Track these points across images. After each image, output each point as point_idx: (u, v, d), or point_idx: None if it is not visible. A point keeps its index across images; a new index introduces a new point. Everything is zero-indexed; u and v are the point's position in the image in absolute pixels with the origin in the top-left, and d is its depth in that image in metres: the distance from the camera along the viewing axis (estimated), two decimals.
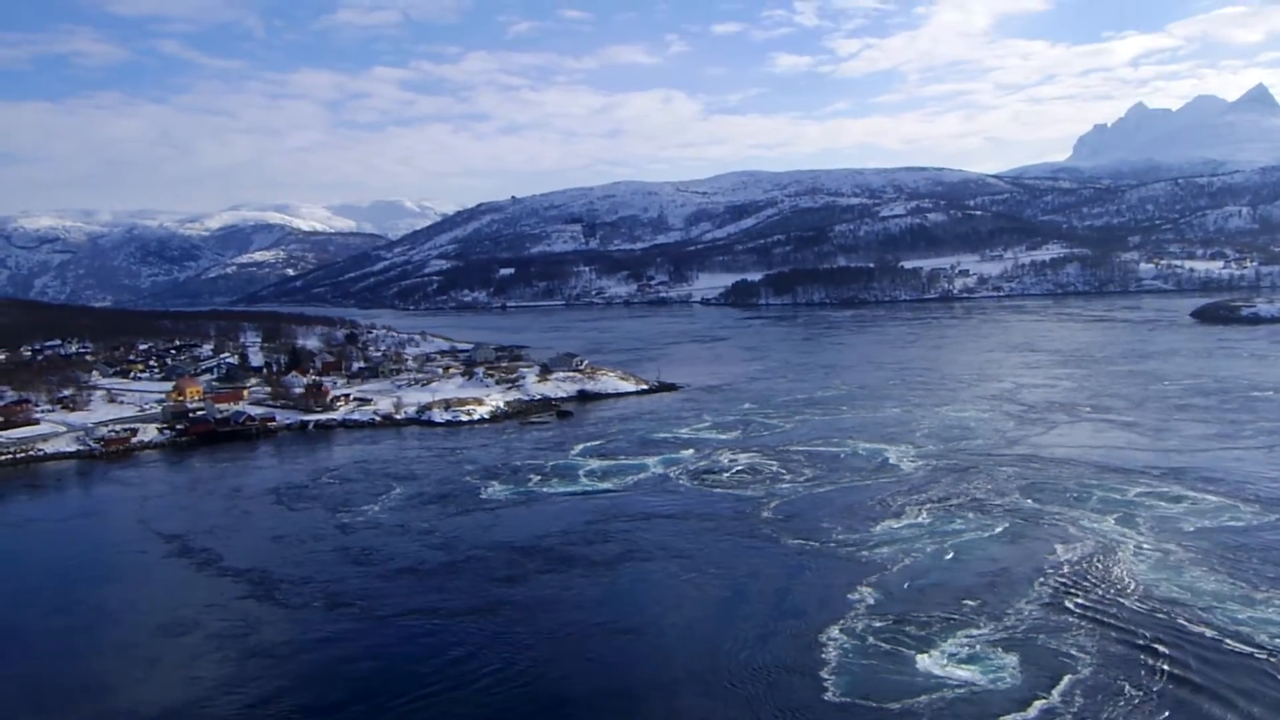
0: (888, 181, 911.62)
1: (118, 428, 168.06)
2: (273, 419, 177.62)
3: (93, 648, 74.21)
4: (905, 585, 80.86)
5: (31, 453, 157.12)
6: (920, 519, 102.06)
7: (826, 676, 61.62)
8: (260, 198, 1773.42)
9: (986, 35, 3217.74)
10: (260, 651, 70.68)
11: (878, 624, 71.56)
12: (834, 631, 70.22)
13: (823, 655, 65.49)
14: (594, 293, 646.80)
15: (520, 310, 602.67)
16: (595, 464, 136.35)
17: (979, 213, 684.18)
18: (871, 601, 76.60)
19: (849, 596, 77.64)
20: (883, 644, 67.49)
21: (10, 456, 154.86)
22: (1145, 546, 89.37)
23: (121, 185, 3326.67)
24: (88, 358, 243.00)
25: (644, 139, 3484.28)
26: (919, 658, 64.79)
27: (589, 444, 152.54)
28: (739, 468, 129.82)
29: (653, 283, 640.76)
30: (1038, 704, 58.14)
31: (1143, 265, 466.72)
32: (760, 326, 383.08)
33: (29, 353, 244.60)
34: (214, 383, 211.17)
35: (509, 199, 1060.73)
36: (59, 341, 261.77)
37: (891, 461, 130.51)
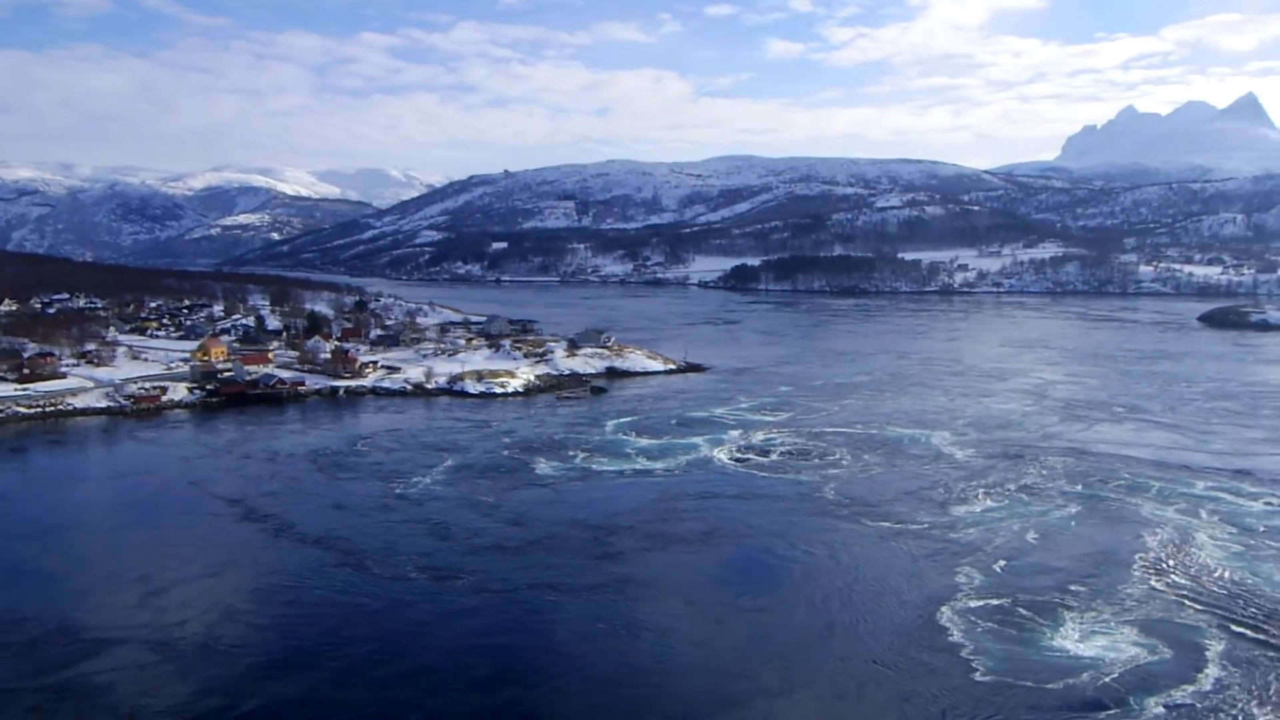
0: (882, 172, 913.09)
1: (147, 385, 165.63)
2: (302, 383, 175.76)
3: (217, 623, 71.34)
4: (1001, 567, 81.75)
5: (61, 407, 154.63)
6: (990, 503, 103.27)
7: (970, 657, 61.99)
8: (243, 159, 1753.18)
9: (981, 30, 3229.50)
10: (392, 624, 69.04)
11: (993, 604, 72.34)
12: (951, 612, 70.66)
13: (953, 636, 65.89)
14: (589, 270, 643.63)
15: (516, 285, 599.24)
16: (643, 442, 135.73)
17: (975, 208, 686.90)
18: (977, 583, 77.18)
19: (954, 578, 78.22)
20: (1008, 625, 68.15)
21: (40, 410, 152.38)
22: (1220, 537, 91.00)
23: (101, 140, 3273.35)
24: (100, 313, 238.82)
25: (633, 118, 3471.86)
26: (1052, 638, 65.62)
27: (625, 420, 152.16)
28: (790, 449, 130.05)
29: (649, 263, 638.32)
30: (1194, 680, 59.16)
31: (1142, 268, 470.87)
32: (765, 311, 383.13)
33: (38, 305, 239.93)
34: (235, 344, 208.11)
35: (501, 172, 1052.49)
36: (67, 295, 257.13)
37: (941, 448, 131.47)
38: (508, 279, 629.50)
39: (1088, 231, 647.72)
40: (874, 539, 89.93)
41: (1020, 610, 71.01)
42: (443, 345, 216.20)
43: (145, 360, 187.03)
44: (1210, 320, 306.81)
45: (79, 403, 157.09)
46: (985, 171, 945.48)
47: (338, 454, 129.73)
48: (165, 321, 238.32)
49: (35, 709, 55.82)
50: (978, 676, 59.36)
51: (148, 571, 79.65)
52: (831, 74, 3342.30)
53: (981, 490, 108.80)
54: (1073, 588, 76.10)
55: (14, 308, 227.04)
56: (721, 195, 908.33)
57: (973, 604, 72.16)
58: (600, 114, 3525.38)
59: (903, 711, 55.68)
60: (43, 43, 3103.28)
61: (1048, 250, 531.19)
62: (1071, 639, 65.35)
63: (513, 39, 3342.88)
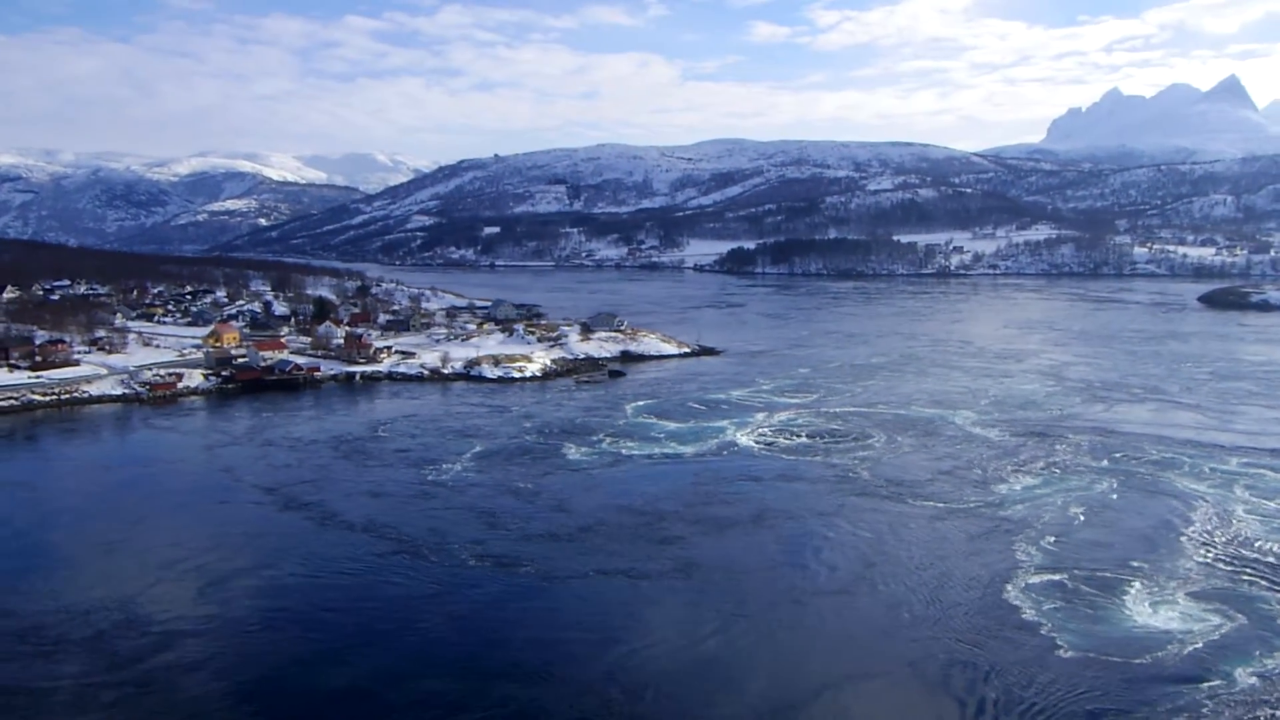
0: (873, 155, 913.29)
1: (162, 372, 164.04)
2: (317, 369, 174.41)
3: (285, 612, 69.94)
4: (1055, 543, 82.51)
5: (76, 394, 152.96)
6: (1029, 481, 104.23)
7: (1050, 634, 62.38)
8: (227, 145, 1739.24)
9: (966, 13, 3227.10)
10: (464, 613, 68.19)
11: (1055, 580, 73.14)
12: (1017, 590, 71.06)
13: (1027, 614, 66.37)
14: (584, 255, 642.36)
15: (510, 269, 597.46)
16: (669, 426, 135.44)
17: (968, 190, 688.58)
18: (1036, 560, 77.69)
19: (1012, 556, 78.72)
20: (1077, 600, 68.78)
21: (55, 397, 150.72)
22: (1262, 511, 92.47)
23: (83, 125, 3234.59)
24: (104, 299, 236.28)
25: (619, 102, 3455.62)
26: (1124, 612, 66.15)
27: (645, 403, 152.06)
28: (817, 431, 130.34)
29: (643, 247, 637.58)
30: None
31: (1136, 249, 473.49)
32: (766, 295, 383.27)
33: (40, 292, 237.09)
34: (245, 330, 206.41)
35: (491, 156, 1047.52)
36: (68, 282, 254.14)
37: (967, 428, 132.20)
38: (502, 264, 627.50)
39: (1078, 213, 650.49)
40: (924, 519, 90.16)
41: (1084, 586, 71.53)
42: (454, 330, 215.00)
43: (157, 347, 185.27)
44: (1210, 301, 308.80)
45: (94, 390, 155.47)
46: (974, 154, 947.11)
47: (360, 440, 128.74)
48: (170, 307, 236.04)
49: (115, 704, 54.99)
50: (1063, 654, 59.64)
51: (204, 562, 78.72)
52: (818, 57, 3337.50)
53: (1017, 469, 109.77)
54: (1131, 562, 76.83)
55: (16, 294, 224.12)
56: (713, 179, 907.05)
57: (1036, 581, 72.64)
58: (586, 98, 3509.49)
59: (995, 690, 55.72)
60: (21, 26, 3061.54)
61: (1041, 232, 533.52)
62: (1144, 613, 65.94)
63: (498, 22, 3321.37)
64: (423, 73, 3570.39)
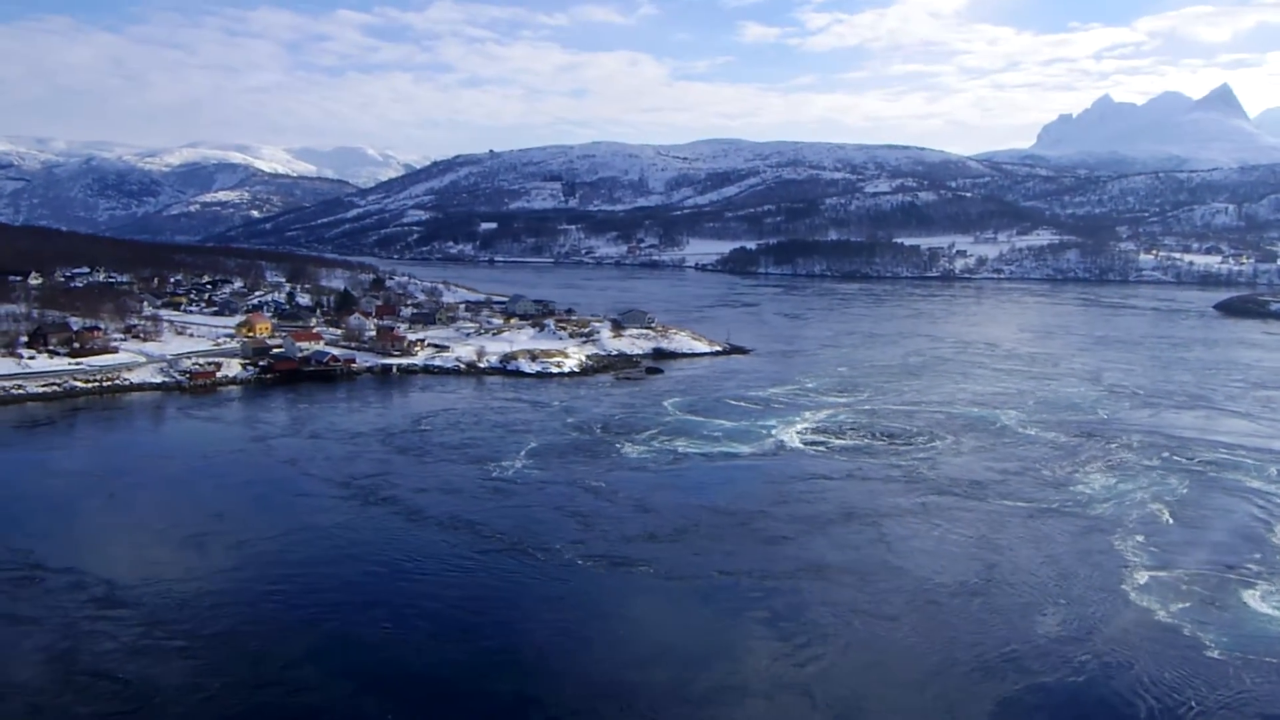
0: (869, 158, 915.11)
1: (201, 361, 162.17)
2: (353, 361, 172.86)
3: (436, 615, 67.76)
4: (1154, 542, 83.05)
5: (117, 382, 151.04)
6: (1103, 481, 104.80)
7: (1192, 635, 62.16)
8: (218, 136, 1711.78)
9: (957, 17, 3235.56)
10: (599, 612, 67.16)
11: (1170, 579, 73.65)
12: (1137, 590, 71.18)
13: (1161, 614, 66.54)
14: (583, 252, 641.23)
15: (510, 265, 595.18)
16: (720, 424, 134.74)
17: (968, 194, 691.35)
18: (1145, 559, 77.73)
19: (1121, 555, 79.27)
20: (1202, 600, 69.05)
21: (96, 384, 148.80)
22: None
23: (74, 114, 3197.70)
24: (125, 287, 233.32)
25: (609, 100, 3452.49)
26: (1258, 611, 66.36)
27: (686, 400, 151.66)
28: (871, 430, 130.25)
29: (643, 245, 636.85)
30: None
31: (1142, 256, 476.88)
32: (774, 295, 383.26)
33: (62, 278, 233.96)
34: (274, 320, 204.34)
35: (487, 152, 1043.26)
36: (87, 269, 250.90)
37: (1018, 428, 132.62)
38: (501, 259, 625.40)
39: (1077, 219, 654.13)
40: (1017, 519, 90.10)
41: (1199, 586, 71.86)
42: (482, 324, 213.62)
43: (190, 335, 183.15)
44: (1228, 309, 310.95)
45: (134, 378, 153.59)
46: (970, 158, 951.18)
47: (405, 434, 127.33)
48: (193, 296, 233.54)
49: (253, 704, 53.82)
50: (1213, 655, 59.55)
51: (303, 555, 77.42)
52: (807, 59, 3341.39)
53: (1085, 469, 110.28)
54: (1239, 561, 77.22)
55: (40, 280, 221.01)
56: (709, 178, 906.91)
57: (1153, 580, 72.87)
58: (576, 95, 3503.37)
59: (1157, 695, 55.46)
60: (12, 14, 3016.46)
61: (1043, 237, 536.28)
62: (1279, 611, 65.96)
63: (490, 18, 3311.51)
64: (412, 68, 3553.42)
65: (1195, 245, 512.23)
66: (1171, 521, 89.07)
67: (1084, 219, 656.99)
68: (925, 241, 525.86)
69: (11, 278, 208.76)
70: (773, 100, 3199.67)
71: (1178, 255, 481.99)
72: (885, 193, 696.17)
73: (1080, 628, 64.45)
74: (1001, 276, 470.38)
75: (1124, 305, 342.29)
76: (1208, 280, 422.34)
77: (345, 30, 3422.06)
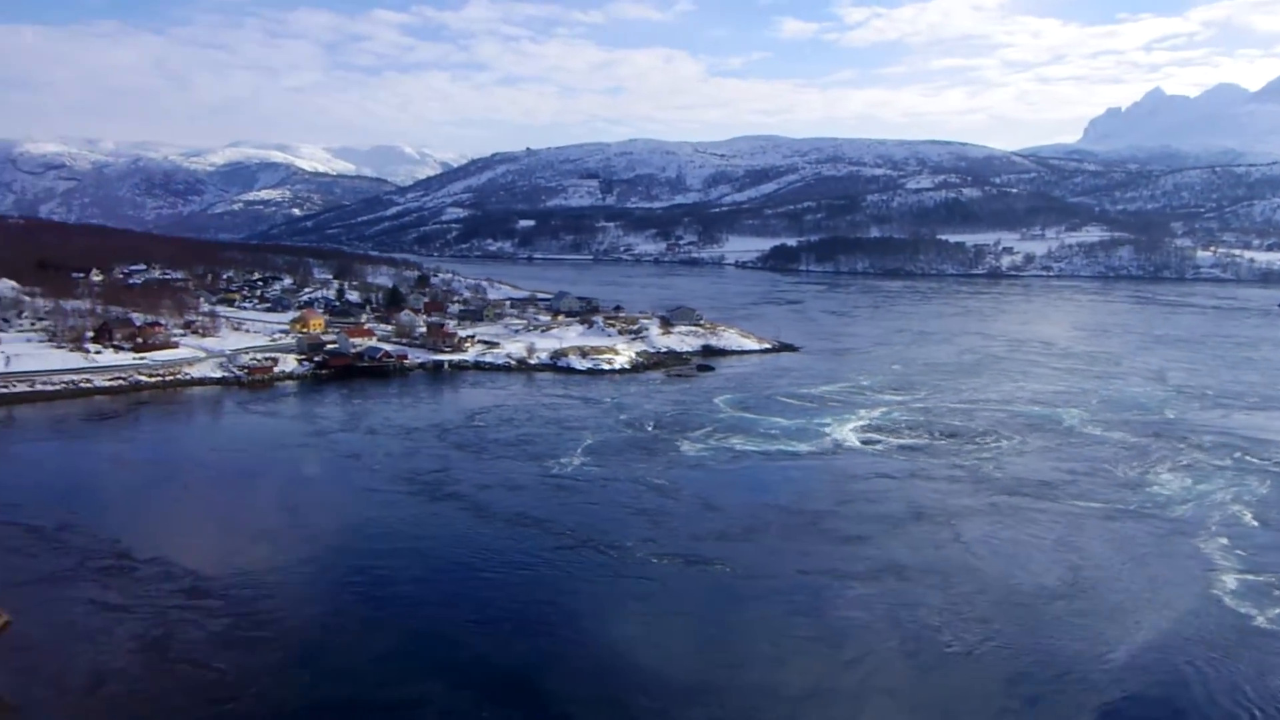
0: (910, 153, 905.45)
1: (259, 356, 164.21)
2: (405, 357, 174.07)
3: (521, 610, 67.45)
4: (1239, 544, 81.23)
5: (179, 376, 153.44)
6: (1179, 482, 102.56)
7: None
8: (258, 136, 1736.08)
9: (1000, 10, 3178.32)
10: (683, 611, 66.42)
11: (1263, 583, 72.25)
12: (1228, 594, 69.58)
13: (1259, 620, 65.20)
14: (621, 249, 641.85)
15: (548, 263, 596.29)
16: (776, 421, 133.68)
17: (1014, 190, 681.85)
18: (1233, 563, 76.15)
19: (1207, 558, 77.82)
20: None
21: (159, 378, 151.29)
22: None
23: (123, 115, 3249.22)
24: (180, 284, 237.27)
25: (644, 97, 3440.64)
26: None
27: (739, 397, 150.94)
28: (930, 429, 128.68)
29: (682, 242, 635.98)
30: None
31: (1199, 253, 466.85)
32: (818, 293, 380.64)
33: (121, 275, 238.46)
34: (325, 316, 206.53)
35: (524, 150, 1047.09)
36: (144, 266, 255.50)
37: (1083, 428, 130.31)
38: (539, 256, 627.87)
39: (1128, 215, 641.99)
40: (1095, 520, 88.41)
41: None
42: (530, 321, 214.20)
43: (246, 331, 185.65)
44: None
45: (195, 372, 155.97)
46: (1015, 154, 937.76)
47: (460, 429, 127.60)
48: (246, 293, 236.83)
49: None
50: None
51: (380, 548, 77.90)
52: (845, 54, 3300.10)
53: (1157, 470, 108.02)
54: None
55: (101, 278, 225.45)
56: (747, 175, 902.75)
57: (1243, 584, 71.26)
58: (611, 93, 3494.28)
59: (1266, 704, 54.06)
60: (62, 18, 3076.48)
61: (1092, 234, 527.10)
62: None
63: (525, 16, 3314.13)
64: (449, 67, 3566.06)
65: (1256, 242, 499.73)
66: (1255, 523, 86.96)
67: (1135, 215, 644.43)
68: (970, 238, 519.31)
69: (75, 275, 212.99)
70: (810, 96, 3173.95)
71: (1237, 252, 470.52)
72: (928, 189, 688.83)
73: (1175, 633, 63.00)
74: (1050, 274, 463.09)
75: (1182, 303, 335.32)
76: (1270, 278, 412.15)
77: (382, 30, 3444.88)
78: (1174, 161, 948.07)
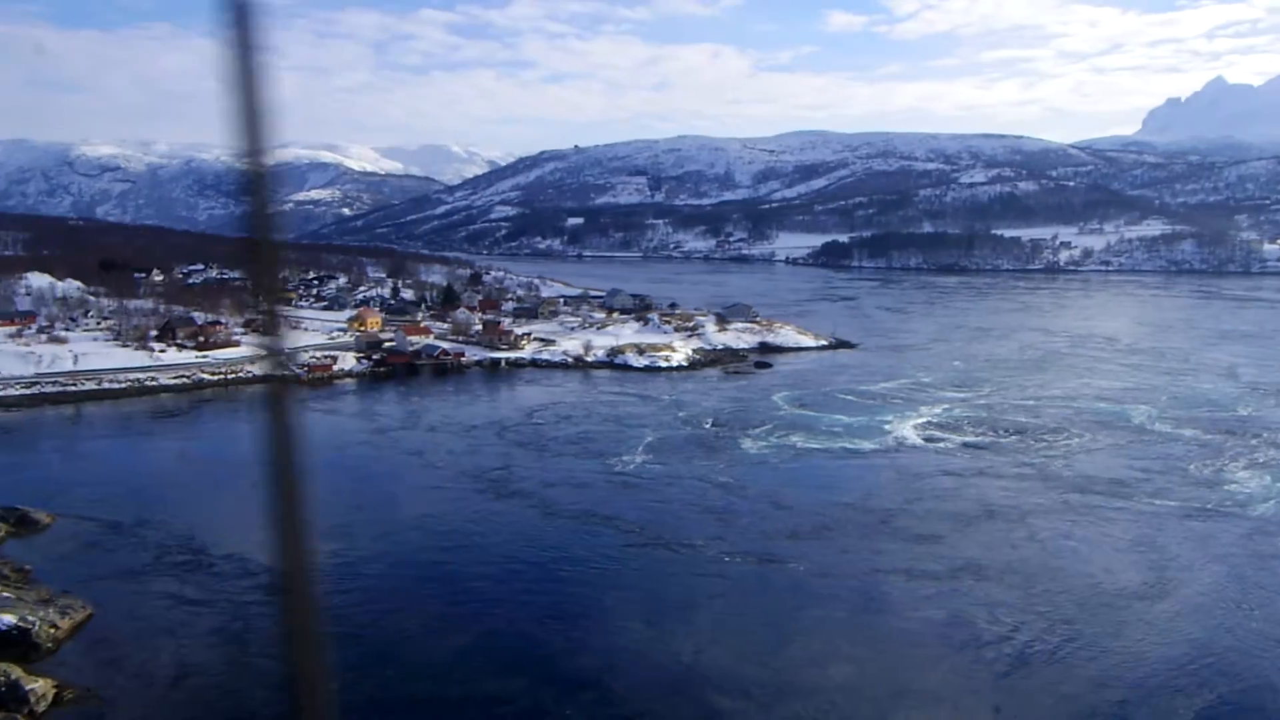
0: (963, 147, 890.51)
1: (319, 354, 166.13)
2: (463, 354, 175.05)
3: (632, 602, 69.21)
4: None
5: (241, 374, 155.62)
6: (1261, 480, 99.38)
7: None
8: (307, 136, 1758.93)
9: None
10: (762, 606, 65.61)
11: None
12: None
13: None
14: (671, 246, 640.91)
15: (598, 260, 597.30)
16: (838, 419, 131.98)
17: (1071, 184, 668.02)
18: None
19: None
20: None
21: (222, 376, 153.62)
22: None
23: (175, 117, 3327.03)
24: (238, 283, 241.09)
25: (691, 93, 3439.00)
26: None
27: (795, 394, 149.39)
28: (996, 427, 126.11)
29: (732, 239, 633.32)
30: None
31: (1266, 246, 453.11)
32: (872, 289, 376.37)
33: (180, 275, 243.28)
34: (384, 315, 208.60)
35: (571, 147, 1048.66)
36: (202, 266, 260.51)
37: (1154, 426, 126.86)
38: (589, 254, 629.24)
39: (1190, 208, 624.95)
40: (1172, 519, 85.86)
41: None
42: (586, 318, 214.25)
43: (305, 329, 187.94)
44: None
45: (256, 370, 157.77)
46: (1071, 146, 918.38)
47: (519, 427, 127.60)
48: (302, 292, 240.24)
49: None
50: None
51: (449, 545, 78.12)
52: (895, 47, 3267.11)
53: (1234, 468, 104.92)
54: None
55: (162, 277, 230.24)
56: (796, 171, 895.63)
57: None
58: (658, 89, 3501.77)
59: None
60: (115, 22, 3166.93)
61: (1153, 228, 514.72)
62: None
63: (570, 13, 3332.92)
64: (495, 65, 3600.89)
65: None
66: None
67: (1197, 208, 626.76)
68: (1026, 233, 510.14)
69: (136, 275, 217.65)
70: (859, 90, 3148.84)
71: None
72: (982, 183, 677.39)
73: (1266, 635, 60.64)
74: (1110, 269, 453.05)
75: (1250, 298, 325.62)
76: None
77: (429, 29, 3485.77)
78: (1237, 152, 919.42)
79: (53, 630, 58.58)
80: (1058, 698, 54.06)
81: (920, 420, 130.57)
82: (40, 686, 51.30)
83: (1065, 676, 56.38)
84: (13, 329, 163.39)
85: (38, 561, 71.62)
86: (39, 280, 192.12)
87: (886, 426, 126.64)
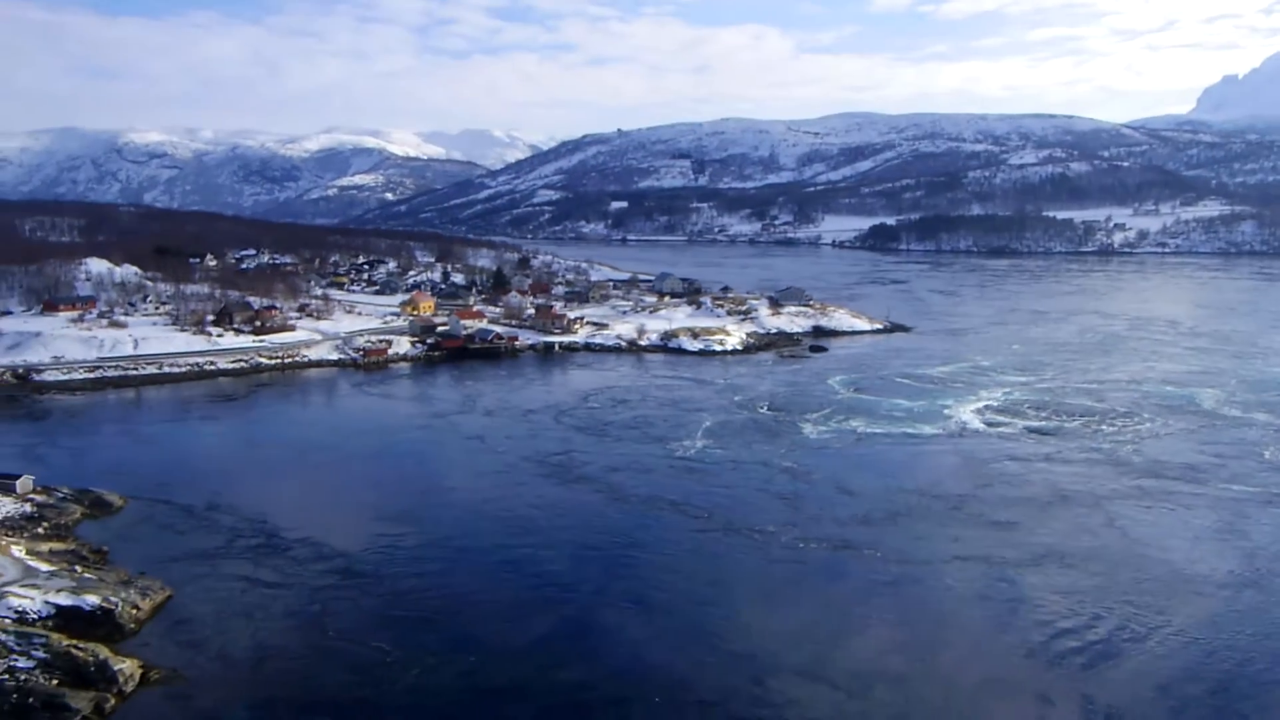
0: (1013, 128, 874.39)
1: (374, 338, 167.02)
2: (516, 338, 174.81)
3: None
4: None
5: (297, 359, 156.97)
6: None
7: None
8: (350, 122, 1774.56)
9: None
10: (845, 594, 64.89)
11: None
12: None
13: None
14: (715, 230, 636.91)
15: (642, 244, 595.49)
16: (898, 403, 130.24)
17: (1125, 164, 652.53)
18: None
19: None
20: None
21: (279, 360, 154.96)
22: None
23: (220, 104, 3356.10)
24: (290, 268, 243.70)
25: (732, 76, 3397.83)
26: None
27: (851, 378, 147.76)
28: (1058, 410, 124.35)
29: (777, 223, 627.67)
30: None
31: None
32: (922, 272, 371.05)
33: (233, 260, 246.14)
34: (436, 299, 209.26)
35: (614, 131, 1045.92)
36: (253, 251, 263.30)
37: (1223, 410, 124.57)
38: (633, 238, 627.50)
39: (1248, 188, 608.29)
40: (1252, 504, 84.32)
41: None
42: (638, 303, 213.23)
43: (359, 314, 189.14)
44: None
45: (312, 355, 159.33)
46: (1124, 125, 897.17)
47: (575, 410, 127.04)
48: (354, 276, 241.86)
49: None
50: None
51: (546, 541, 77.13)
52: (941, 27, 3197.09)
53: None
54: None
55: (216, 263, 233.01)
56: (841, 153, 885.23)
57: None
58: (699, 71, 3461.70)
59: None
60: (161, 10, 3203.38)
61: (1211, 208, 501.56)
62: None
63: None
64: (536, 48, 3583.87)
65: None
66: None
67: (1257, 188, 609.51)
68: (1078, 215, 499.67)
69: (190, 260, 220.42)
70: (903, 71, 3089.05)
71: None
72: (1032, 164, 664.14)
73: None
74: (1166, 251, 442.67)
75: None
76: None
77: (470, 13, 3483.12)
78: None
79: (134, 611, 59.20)
80: (1150, 688, 52.64)
81: (981, 404, 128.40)
82: (127, 667, 51.80)
83: (1156, 667, 54.94)
84: (74, 314, 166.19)
85: (113, 543, 72.66)
86: (98, 266, 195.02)
87: (947, 411, 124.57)
